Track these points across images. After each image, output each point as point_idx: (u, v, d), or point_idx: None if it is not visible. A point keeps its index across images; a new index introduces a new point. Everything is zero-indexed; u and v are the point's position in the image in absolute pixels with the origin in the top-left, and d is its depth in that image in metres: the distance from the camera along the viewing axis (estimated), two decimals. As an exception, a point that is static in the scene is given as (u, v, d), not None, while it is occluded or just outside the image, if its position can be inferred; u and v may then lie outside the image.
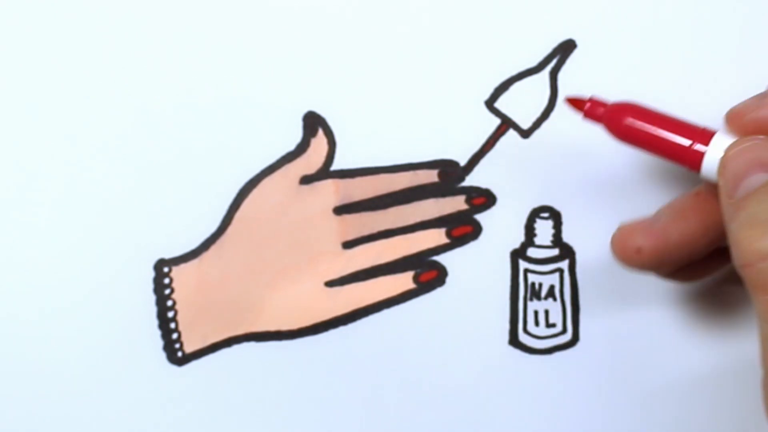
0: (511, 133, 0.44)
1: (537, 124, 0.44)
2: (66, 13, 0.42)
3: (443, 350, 0.44)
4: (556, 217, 0.44)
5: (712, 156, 0.37)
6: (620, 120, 0.38)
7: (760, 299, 0.32)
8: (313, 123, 0.43)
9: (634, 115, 0.38)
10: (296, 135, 0.43)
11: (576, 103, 0.39)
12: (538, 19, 0.43)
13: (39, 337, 0.43)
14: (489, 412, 0.45)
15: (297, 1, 0.42)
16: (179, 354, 0.43)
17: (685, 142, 0.37)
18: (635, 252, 0.38)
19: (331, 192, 0.43)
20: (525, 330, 0.45)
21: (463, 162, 0.44)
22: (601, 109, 0.38)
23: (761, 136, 0.36)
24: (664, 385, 0.45)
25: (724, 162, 0.36)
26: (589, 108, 0.38)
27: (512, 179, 0.44)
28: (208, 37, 0.42)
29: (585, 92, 0.44)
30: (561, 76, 0.43)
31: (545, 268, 0.44)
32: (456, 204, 0.44)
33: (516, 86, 0.43)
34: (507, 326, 0.45)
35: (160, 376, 0.43)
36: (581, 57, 0.43)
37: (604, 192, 0.44)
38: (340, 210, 0.44)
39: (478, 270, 0.44)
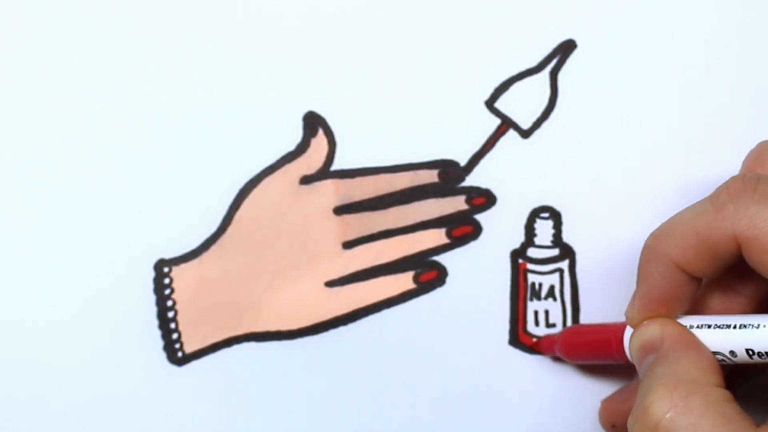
0: (511, 133, 0.44)
1: (537, 124, 0.44)
2: (67, 14, 0.42)
3: (443, 350, 0.44)
4: (556, 217, 0.44)
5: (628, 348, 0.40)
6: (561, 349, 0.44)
7: None
8: (313, 123, 0.43)
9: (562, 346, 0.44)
10: (296, 135, 0.43)
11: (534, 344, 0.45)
12: (538, 19, 0.43)
13: (39, 337, 0.43)
14: (489, 412, 0.45)
15: (297, 1, 0.42)
16: (179, 354, 0.43)
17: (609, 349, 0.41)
18: (611, 427, 0.44)
19: (331, 192, 0.43)
20: (525, 330, 0.45)
21: (463, 162, 0.44)
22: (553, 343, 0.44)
23: (646, 322, 0.39)
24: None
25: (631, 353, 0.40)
26: (543, 344, 0.44)
27: (512, 179, 0.44)
28: (208, 38, 0.42)
29: (585, 92, 0.44)
30: (561, 76, 0.43)
31: (545, 268, 0.44)
32: (456, 204, 0.44)
33: (516, 86, 0.43)
34: (507, 326, 0.45)
35: (160, 376, 0.43)
36: (581, 57, 0.43)
37: (604, 192, 0.44)
38: (340, 210, 0.44)
39: (478, 270, 0.44)
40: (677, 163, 0.44)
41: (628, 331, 0.39)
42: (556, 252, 0.44)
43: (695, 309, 0.40)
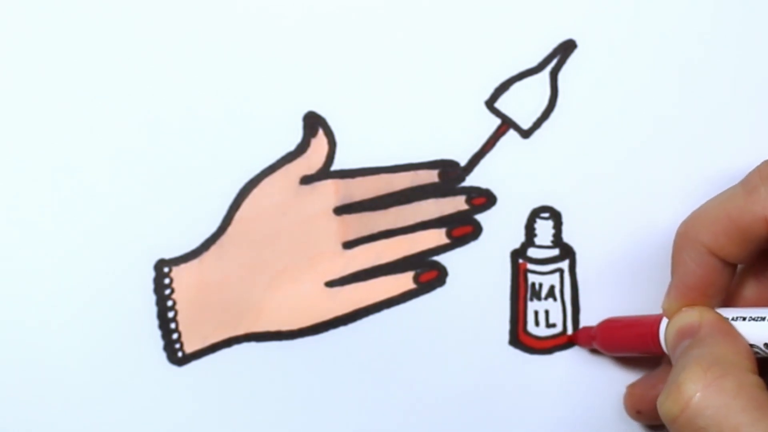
0: (511, 133, 0.44)
1: (537, 124, 0.44)
2: (67, 15, 0.42)
3: (443, 350, 0.44)
4: (556, 217, 0.44)
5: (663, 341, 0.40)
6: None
7: None
8: (313, 123, 0.43)
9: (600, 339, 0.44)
10: (296, 135, 0.43)
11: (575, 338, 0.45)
12: (538, 19, 0.43)
13: (39, 337, 0.43)
14: (489, 412, 0.45)
15: (297, 1, 0.42)
16: (179, 354, 0.43)
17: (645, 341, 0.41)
18: (636, 413, 0.44)
19: (331, 192, 0.43)
20: (525, 330, 0.45)
21: (463, 162, 0.44)
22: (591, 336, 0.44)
23: (685, 309, 0.39)
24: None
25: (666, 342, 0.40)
26: (580, 336, 0.45)
27: (512, 179, 0.44)
28: (208, 38, 0.42)
29: (585, 92, 0.44)
30: (561, 76, 0.43)
31: (545, 268, 0.44)
32: (456, 204, 0.44)
33: (516, 86, 0.43)
34: (507, 326, 0.45)
35: (160, 376, 0.43)
36: (581, 57, 0.43)
37: (604, 192, 0.44)
38: (341, 210, 0.44)
39: (478, 270, 0.44)
40: (677, 163, 0.44)
41: (664, 323, 0.40)
42: (556, 252, 0.44)
43: (730, 301, 0.40)
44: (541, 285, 0.45)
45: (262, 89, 0.43)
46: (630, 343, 0.43)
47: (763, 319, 0.37)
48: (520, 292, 0.45)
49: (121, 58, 0.42)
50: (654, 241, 0.44)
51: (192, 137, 0.43)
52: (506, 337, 0.45)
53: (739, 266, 0.40)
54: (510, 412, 0.45)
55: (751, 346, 0.37)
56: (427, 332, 0.44)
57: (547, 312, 0.45)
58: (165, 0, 0.42)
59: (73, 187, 0.42)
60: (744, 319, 0.37)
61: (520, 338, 0.45)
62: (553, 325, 0.45)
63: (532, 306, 0.45)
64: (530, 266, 0.44)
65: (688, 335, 0.38)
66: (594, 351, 0.45)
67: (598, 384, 0.45)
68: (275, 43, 0.43)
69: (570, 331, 0.45)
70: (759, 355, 0.37)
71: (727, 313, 0.38)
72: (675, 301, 0.39)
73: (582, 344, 0.45)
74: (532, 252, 0.44)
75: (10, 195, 0.42)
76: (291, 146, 0.43)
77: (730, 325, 0.37)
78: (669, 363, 0.43)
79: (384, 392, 0.44)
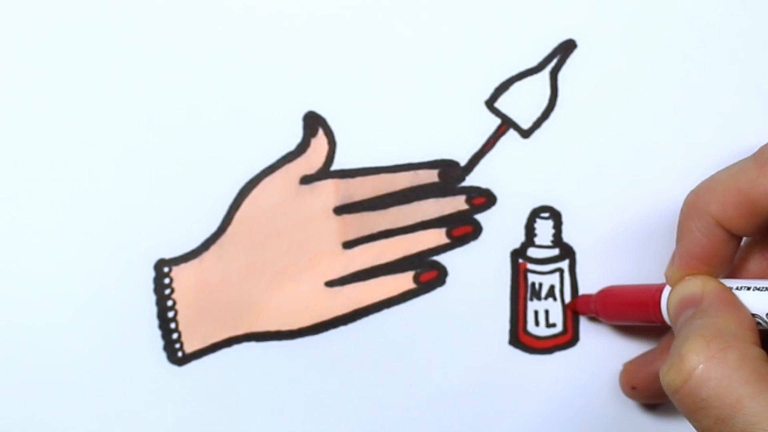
0: (511, 133, 0.44)
1: (537, 124, 0.44)
2: (67, 15, 0.42)
3: (443, 350, 0.44)
4: (556, 217, 0.44)
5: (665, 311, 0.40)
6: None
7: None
8: (313, 123, 0.43)
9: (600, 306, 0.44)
10: (296, 135, 0.43)
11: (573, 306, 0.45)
12: (538, 19, 0.43)
13: (39, 337, 0.43)
14: (489, 412, 0.45)
15: (297, 1, 0.42)
16: (179, 354, 0.43)
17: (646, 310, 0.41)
18: (631, 390, 0.44)
19: (331, 192, 0.43)
20: (525, 330, 0.45)
21: (463, 162, 0.44)
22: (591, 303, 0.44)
23: (688, 278, 0.39)
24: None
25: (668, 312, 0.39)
26: (579, 303, 0.45)
27: (512, 179, 0.44)
28: (208, 38, 0.42)
29: (585, 92, 0.44)
30: (561, 76, 0.43)
31: (545, 268, 0.44)
32: (456, 204, 0.44)
33: (516, 86, 0.43)
34: (507, 326, 0.45)
35: (160, 376, 0.43)
36: (581, 57, 0.43)
37: (604, 192, 0.44)
38: (340, 210, 0.44)
39: (478, 270, 0.44)
40: (677, 163, 0.44)
41: (666, 291, 0.39)
42: (556, 252, 0.44)
43: (734, 274, 0.40)
44: (541, 285, 0.45)
45: (262, 89, 0.43)
46: (630, 311, 0.42)
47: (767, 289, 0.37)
48: (520, 292, 0.45)
49: (121, 58, 0.42)
50: (654, 241, 0.44)
51: (192, 137, 0.43)
52: (506, 337, 0.45)
53: (745, 239, 0.40)
54: (510, 412, 0.45)
55: (753, 316, 0.37)
56: (427, 332, 0.44)
57: (547, 312, 0.45)
58: (165, 0, 0.42)
59: (73, 187, 0.42)
60: (749, 289, 0.37)
61: (520, 338, 0.45)
62: (553, 325, 0.45)
63: (532, 306, 0.45)
64: (530, 266, 0.44)
65: (690, 305, 0.37)
66: (593, 319, 0.44)
67: (598, 384, 0.45)
68: (275, 43, 0.43)
69: (570, 331, 0.45)
70: (761, 327, 0.37)
71: (732, 282, 0.38)
72: (678, 269, 0.39)
73: (581, 311, 0.44)
74: (532, 252, 0.44)
75: (11, 195, 0.42)
76: (291, 146, 0.43)
77: (734, 295, 0.37)
78: (667, 341, 0.43)
79: (384, 392, 0.44)
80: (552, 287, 0.45)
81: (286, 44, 0.43)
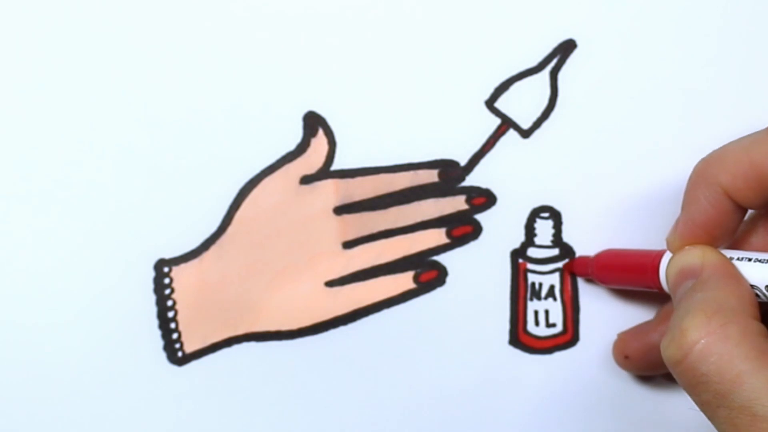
0: (511, 133, 0.44)
1: (537, 124, 0.44)
2: (67, 15, 0.42)
3: (443, 350, 0.44)
4: (556, 217, 0.44)
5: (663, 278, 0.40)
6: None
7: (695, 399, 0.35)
8: (313, 123, 0.43)
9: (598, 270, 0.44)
10: (296, 135, 0.43)
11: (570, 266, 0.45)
12: (538, 19, 0.43)
13: (39, 337, 0.43)
14: (489, 412, 0.45)
15: (297, 1, 0.42)
16: (179, 354, 0.43)
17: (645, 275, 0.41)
18: (624, 359, 0.44)
19: (331, 192, 0.43)
20: (525, 330, 0.45)
21: (463, 162, 0.44)
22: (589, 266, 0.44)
23: (688, 247, 0.39)
24: (662, 384, 0.46)
25: (667, 280, 0.39)
26: (576, 264, 0.44)
27: (512, 179, 0.44)
28: (208, 38, 0.42)
29: (585, 92, 0.44)
30: (561, 76, 0.43)
31: (545, 267, 0.44)
32: (456, 204, 0.44)
33: (516, 86, 0.43)
34: (507, 326, 0.45)
35: (160, 376, 0.43)
36: (581, 57, 0.43)
37: (604, 192, 0.44)
38: (340, 210, 0.44)
39: (478, 270, 0.44)
40: (677, 163, 0.44)
41: (666, 258, 0.39)
42: (556, 252, 0.44)
43: (735, 246, 0.40)
44: (541, 285, 0.45)
45: (262, 89, 0.43)
46: (628, 275, 0.42)
47: None
48: (520, 292, 0.45)
49: (122, 58, 0.42)
50: (654, 241, 0.44)
51: (192, 137, 0.43)
52: (506, 336, 0.45)
53: (750, 212, 0.40)
54: (510, 412, 0.45)
55: (753, 287, 0.36)
56: (427, 332, 0.44)
57: (547, 312, 0.45)
58: (165, 0, 0.42)
59: (73, 187, 0.42)
60: (750, 260, 0.37)
61: (520, 338, 0.45)
62: (553, 325, 0.45)
63: (532, 306, 0.45)
64: (530, 266, 0.44)
65: (690, 276, 0.37)
66: (589, 281, 0.44)
67: (598, 384, 0.45)
68: (275, 43, 0.43)
69: (570, 331, 0.45)
70: (760, 299, 0.36)
71: (733, 253, 0.38)
72: (680, 237, 0.39)
73: (578, 273, 0.44)
74: (532, 252, 0.44)
75: (10, 195, 0.42)
76: (291, 146, 0.43)
77: (734, 267, 0.37)
78: (665, 312, 0.43)
79: (384, 392, 0.44)
80: (552, 287, 0.45)
81: (286, 44, 0.43)
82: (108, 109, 0.42)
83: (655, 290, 0.40)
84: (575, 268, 0.44)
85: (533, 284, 0.45)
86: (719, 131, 0.44)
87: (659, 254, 0.40)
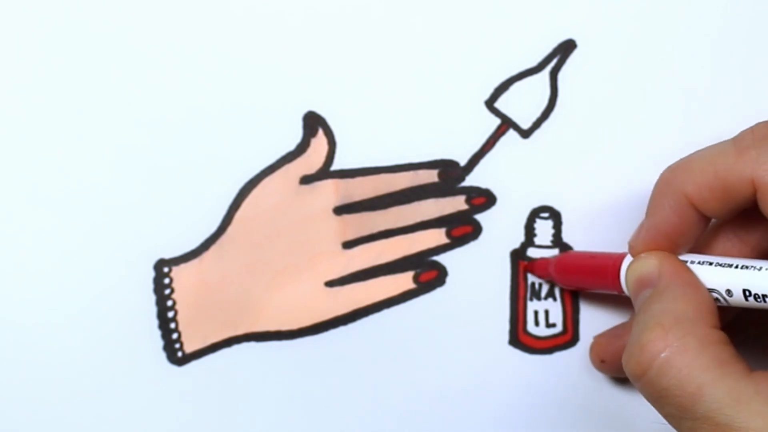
0: (511, 133, 0.44)
1: (537, 124, 0.44)
2: (67, 15, 0.42)
3: (443, 350, 0.44)
4: (556, 217, 0.44)
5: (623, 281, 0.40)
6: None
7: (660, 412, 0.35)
8: (313, 123, 0.43)
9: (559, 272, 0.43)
10: (296, 135, 0.43)
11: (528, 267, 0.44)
12: (538, 19, 0.43)
13: (39, 337, 0.43)
14: (489, 412, 0.45)
15: (297, 1, 0.42)
16: (179, 354, 0.43)
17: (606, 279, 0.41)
18: (600, 362, 0.44)
19: (331, 192, 0.43)
20: (525, 330, 0.45)
21: (463, 162, 0.44)
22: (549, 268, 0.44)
23: (644, 255, 0.39)
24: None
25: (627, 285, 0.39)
26: (537, 266, 0.44)
27: (512, 179, 0.44)
28: (208, 38, 0.42)
29: (585, 92, 0.44)
30: (561, 76, 0.43)
31: (545, 268, 0.45)
32: (456, 204, 0.44)
33: (516, 86, 0.43)
34: (507, 326, 0.45)
35: (160, 376, 0.43)
36: (581, 57, 0.43)
37: (604, 192, 0.44)
38: (340, 210, 0.44)
39: (478, 270, 0.44)
40: (677, 163, 0.44)
41: (626, 262, 0.39)
42: (556, 252, 0.44)
43: (697, 250, 0.40)
44: (540, 285, 0.45)
45: (262, 89, 0.43)
46: (589, 278, 0.42)
47: (730, 266, 0.36)
48: (520, 292, 0.45)
49: (121, 57, 0.42)
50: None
51: (192, 137, 0.43)
52: (506, 337, 0.45)
53: (713, 221, 0.40)
54: (510, 412, 0.45)
55: (712, 290, 0.36)
56: (427, 332, 0.44)
57: (546, 312, 0.45)
58: (165, 0, 0.42)
59: (72, 186, 0.42)
60: (710, 264, 0.37)
61: (520, 338, 0.45)
62: (553, 325, 0.45)
63: (532, 306, 0.45)
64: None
65: (647, 285, 0.37)
66: (550, 283, 0.44)
67: (598, 384, 0.45)
68: (275, 43, 0.43)
69: (570, 331, 0.45)
70: (719, 303, 0.36)
71: (694, 257, 0.38)
72: (643, 242, 0.39)
73: (537, 274, 0.44)
74: (531, 252, 0.44)
75: (11, 195, 0.42)
76: (291, 146, 0.43)
77: (692, 273, 0.37)
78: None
79: (384, 392, 0.44)
80: (552, 287, 0.45)
81: (286, 44, 0.43)
82: (108, 109, 0.42)
83: (617, 293, 0.40)
84: (535, 270, 0.44)
85: (533, 284, 0.44)
86: (719, 131, 0.44)
87: (620, 257, 0.40)
